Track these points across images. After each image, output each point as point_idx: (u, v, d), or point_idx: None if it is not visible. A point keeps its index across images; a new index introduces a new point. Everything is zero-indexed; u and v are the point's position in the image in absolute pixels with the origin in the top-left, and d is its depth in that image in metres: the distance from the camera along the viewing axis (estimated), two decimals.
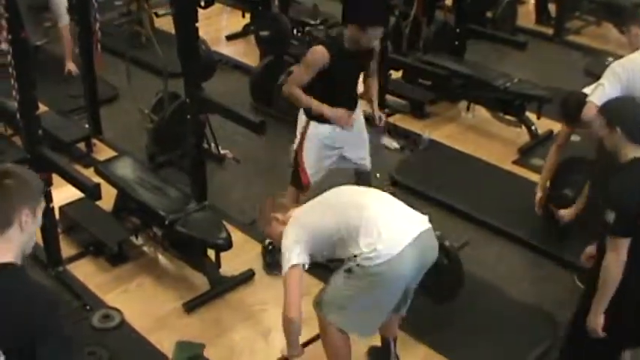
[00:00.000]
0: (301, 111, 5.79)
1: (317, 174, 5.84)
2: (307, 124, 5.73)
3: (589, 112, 5.18)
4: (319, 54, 5.47)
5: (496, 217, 6.59)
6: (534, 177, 7.14)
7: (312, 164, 5.79)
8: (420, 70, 8.23)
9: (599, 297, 4.20)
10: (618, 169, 4.20)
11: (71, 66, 8.76)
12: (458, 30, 8.74)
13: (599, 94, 5.19)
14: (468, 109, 8.21)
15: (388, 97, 8.28)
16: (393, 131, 7.79)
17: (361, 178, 6.06)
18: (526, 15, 11.21)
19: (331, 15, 9.78)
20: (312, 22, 8.88)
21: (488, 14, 10.24)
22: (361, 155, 5.99)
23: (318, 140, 5.73)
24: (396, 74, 8.50)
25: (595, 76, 8.40)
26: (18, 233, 2.83)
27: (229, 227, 5.78)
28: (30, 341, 2.64)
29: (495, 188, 7.06)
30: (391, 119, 7.94)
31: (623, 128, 4.12)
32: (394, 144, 7.62)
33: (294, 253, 4.36)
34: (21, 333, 2.66)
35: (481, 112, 8.16)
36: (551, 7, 11.13)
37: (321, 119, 5.65)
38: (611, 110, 4.31)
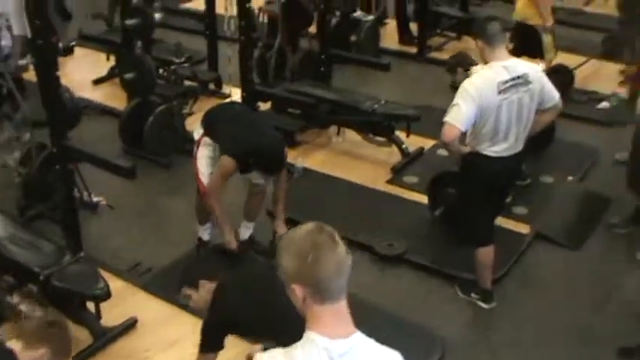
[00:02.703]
0: (198, 125, 6.22)
1: None
2: (203, 135, 6.11)
3: (448, 132, 5.33)
4: (230, 164, 5.89)
5: (374, 238, 6.66)
6: (409, 194, 7.32)
7: (204, 171, 6.09)
8: (287, 100, 8.29)
9: None
10: None
11: None
12: (322, 56, 8.82)
13: (455, 113, 5.32)
14: (338, 133, 8.31)
15: None
16: None
17: (253, 191, 6.46)
18: (389, 36, 11.44)
19: (195, 51, 9.77)
20: (177, 61, 8.84)
21: (352, 38, 10.39)
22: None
23: (215, 147, 6.08)
24: (265, 105, 8.53)
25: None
26: None
27: (108, 276, 5.72)
28: None
29: (372, 209, 7.15)
30: None
31: None
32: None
33: None
34: None
35: (352, 135, 8.26)
36: (413, 27, 11.35)
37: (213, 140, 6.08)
38: None
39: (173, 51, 9.46)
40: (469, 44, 10.69)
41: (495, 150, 5.54)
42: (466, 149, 5.61)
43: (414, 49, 11.05)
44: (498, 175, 5.70)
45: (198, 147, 6.18)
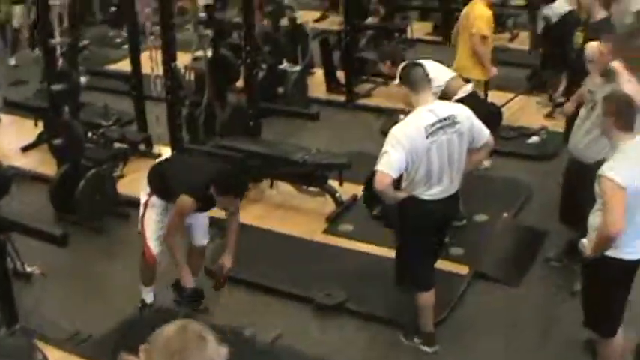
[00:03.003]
0: (144, 188, 6.24)
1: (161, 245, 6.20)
2: (150, 195, 6.17)
3: (380, 180, 5.38)
4: (188, 202, 5.91)
5: (313, 288, 6.65)
6: (346, 243, 7.32)
7: (150, 236, 6.16)
8: (218, 157, 8.24)
9: None
10: None
11: None
12: (251, 110, 8.81)
13: (385, 161, 5.36)
14: (271, 186, 8.29)
15: None
16: None
17: (195, 252, 6.52)
18: (317, 85, 11.50)
19: (124, 112, 9.73)
20: (105, 124, 8.80)
21: (280, 90, 10.43)
22: (200, 233, 6.48)
23: (162, 209, 6.14)
24: None
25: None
26: None
27: (46, 347, 5.58)
28: None
29: (309, 261, 7.14)
30: None
31: None
32: None
33: None
34: None
35: (285, 187, 8.25)
36: (340, 74, 11.44)
37: (164, 196, 6.12)
38: None
39: (101, 114, 9.44)
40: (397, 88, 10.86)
41: (431, 193, 5.59)
42: (402, 195, 5.64)
43: (342, 97, 11.13)
44: (436, 218, 5.74)
45: (145, 209, 6.20)
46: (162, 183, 6.18)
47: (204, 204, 6.03)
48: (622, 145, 5.15)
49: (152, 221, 6.15)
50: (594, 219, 5.23)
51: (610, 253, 5.13)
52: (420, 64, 5.80)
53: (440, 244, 6.12)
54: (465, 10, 9.19)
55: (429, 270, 5.95)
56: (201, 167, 6.36)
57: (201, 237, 6.53)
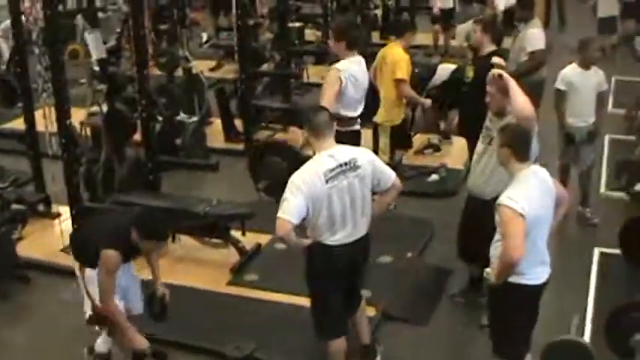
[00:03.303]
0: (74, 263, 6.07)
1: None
2: (82, 271, 5.95)
3: (281, 226, 5.38)
4: (112, 255, 5.65)
5: (221, 341, 6.58)
6: (251, 293, 7.29)
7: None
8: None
9: None
10: None
11: None
12: (150, 164, 8.72)
13: (285, 207, 5.38)
14: (173, 240, 8.17)
15: None
16: None
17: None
18: (216, 134, 11.45)
19: (21, 172, 9.55)
20: (1, 185, 8.64)
21: (178, 141, 10.37)
22: (138, 299, 6.22)
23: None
24: None
25: None
26: None
27: None
28: None
29: (215, 313, 7.08)
30: None
31: None
32: None
33: None
34: None
35: (188, 240, 8.16)
36: (238, 122, 11.41)
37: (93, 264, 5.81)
38: None
39: None
40: (297, 135, 10.90)
41: (335, 238, 5.61)
42: (307, 241, 5.64)
43: (241, 146, 11.11)
44: (343, 262, 5.73)
45: (86, 288, 5.98)
46: (84, 249, 5.95)
47: (128, 253, 5.81)
48: (519, 174, 5.34)
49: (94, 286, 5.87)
50: (496, 249, 5.37)
51: (512, 279, 5.29)
52: (325, 109, 5.87)
53: (353, 289, 6.07)
54: (380, 53, 9.23)
55: (337, 317, 5.92)
56: (118, 217, 6.16)
57: (140, 302, 6.26)
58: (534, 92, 8.56)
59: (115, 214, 6.59)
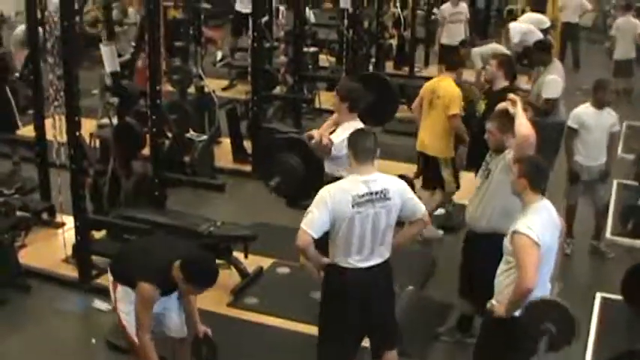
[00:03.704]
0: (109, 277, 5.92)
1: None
2: (115, 287, 5.81)
3: (301, 237, 5.44)
4: (149, 290, 5.53)
5: None
6: (250, 317, 7.25)
7: (132, 329, 5.74)
8: (122, 227, 8.12)
9: None
10: None
11: None
12: (156, 180, 8.72)
13: (308, 220, 5.45)
14: None
15: (95, 258, 8.06)
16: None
17: (178, 347, 6.16)
18: (224, 154, 11.45)
19: (28, 178, 9.54)
20: (7, 192, 8.65)
21: (186, 159, 10.37)
22: (175, 321, 6.04)
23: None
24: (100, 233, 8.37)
25: (298, 206, 8.74)
26: None
27: None
28: None
29: (214, 335, 7.01)
30: (100, 280, 7.76)
31: None
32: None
33: None
34: None
35: None
36: (247, 144, 11.43)
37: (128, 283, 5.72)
38: None
39: (4, 181, 9.25)
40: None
41: (350, 262, 5.62)
42: (326, 260, 5.68)
43: (248, 167, 11.11)
44: (356, 289, 5.68)
45: (115, 302, 5.89)
46: (122, 267, 5.85)
47: (166, 290, 5.65)
48: (533, 205, 5.42)
49: (129, 313, 5.74)
50: (504, 279, 5.40)
51: (518, 312, 5.34)
52: (372, 134, 5.86)
53: (367, 327, 5.90)
54: (431, 85, 9.17)
55: (340, 349, 5.83)
56: (165, 250, 5.81)
57: (178, 325, 6.06)
58: (555, 134, 8.66)
59: (165, 243, 6.15)
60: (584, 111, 8.53)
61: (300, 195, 7.17)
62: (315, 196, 5.56)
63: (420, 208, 5.79)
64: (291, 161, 7.12)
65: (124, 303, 5.79)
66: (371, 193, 5.50)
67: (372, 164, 5.67)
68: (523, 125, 5.99)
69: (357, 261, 5.61)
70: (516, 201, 5.75)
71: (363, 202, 5.47)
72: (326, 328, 5.87)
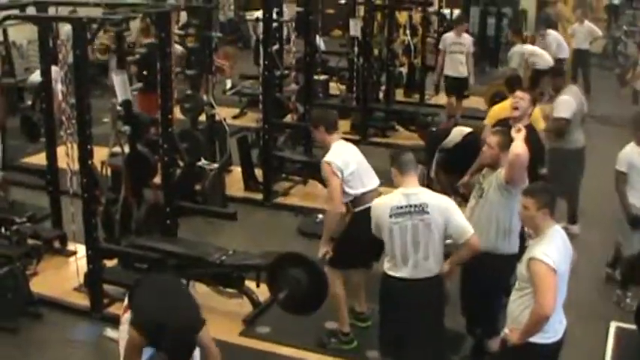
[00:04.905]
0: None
1: None
2: (125, 311, 5.49)
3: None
4: (134, 336, 5.16)
5: None
6: (262, 346, 7.23)
7: None
8: (133, 256, 8.09)
9: None
10: None
11: None
12: (168, 209, 8.71)
13: None
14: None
15: (107, 286, 8.04)
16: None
17: None
18: (235, 183, 11.46)
19: (38, 208, 9.54)
20: (19, 220, 8.64)
21: (197, 187, 10.37)
22: None
23: None
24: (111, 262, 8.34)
25: (308, 235, 8.74)
26: None
27: None
28: None
29: None
30: (112, 309, 7.76)
31: None
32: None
33: None
34: None
35: (201, 288, 8.08)
36: (259, 172, 11.43)
37: None
38: None
39: (15, 210, 9.25)
40: (316, 188, 10.87)
41: (395, 272, 5.96)
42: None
43: (259, 196, 11.11)
44: (400, 298, 6.00)
45: (120, 324, 5.65)
46: (131, 301, 5.49)
47: (155, 342, 5.15)
48: (548, 230, 5.44)
49: (123, 340, 5.37)
50: (517, 306, 5.40)
51: (533, 338, 5.33)
52: (411, 150, 6.32)
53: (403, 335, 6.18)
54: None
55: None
56: (164, 302, 5.33)
57: None
58: (573, 160, 8.91)
59: (171, 300, 5.46)
60: (631, 151, 8.13)
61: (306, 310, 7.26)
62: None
63: (466, 230, 5.92)
64: (298, 278, 7.09)
65: (124, 328, 5.52)
66: (410, 206, 5.83)
67: (415, 177, 6.05)
68: (519, 146, 6.17)
69: (401, 274, 5.91)
70: (513, 220, 6.16)
71: (400, 214, 5.83)
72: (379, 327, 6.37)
